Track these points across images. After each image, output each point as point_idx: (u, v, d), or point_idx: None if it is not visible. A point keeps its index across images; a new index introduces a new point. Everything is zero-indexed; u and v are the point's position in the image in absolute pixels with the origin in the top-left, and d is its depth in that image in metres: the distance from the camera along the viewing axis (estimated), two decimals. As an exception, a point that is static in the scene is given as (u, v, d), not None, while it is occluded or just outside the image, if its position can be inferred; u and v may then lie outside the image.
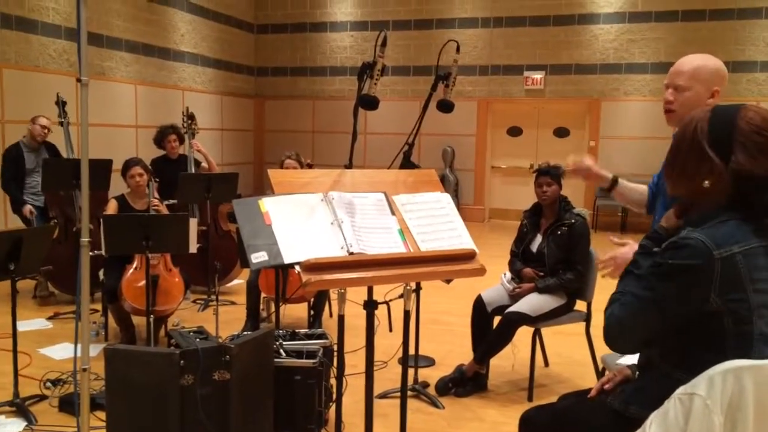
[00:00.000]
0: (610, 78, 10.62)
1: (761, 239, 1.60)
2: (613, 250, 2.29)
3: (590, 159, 2.74)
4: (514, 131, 11.49)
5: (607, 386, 1.98)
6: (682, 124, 1.70)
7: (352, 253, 2.22)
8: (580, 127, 11.06)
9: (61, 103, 5.94)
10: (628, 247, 2.21)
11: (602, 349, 3.93)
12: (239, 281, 6.13)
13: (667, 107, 2.33)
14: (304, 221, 2.28)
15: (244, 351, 2.75)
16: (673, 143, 1.71)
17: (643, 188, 2.72)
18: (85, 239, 2.41)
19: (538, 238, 3.94)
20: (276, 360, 2.97)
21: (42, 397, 3.58)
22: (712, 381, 1.49)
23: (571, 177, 2.70)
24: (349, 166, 2.90)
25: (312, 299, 4.70)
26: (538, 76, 10.91)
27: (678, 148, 1.68)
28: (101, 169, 5.18)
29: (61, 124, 5.90)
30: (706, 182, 1.61)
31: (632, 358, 2.17)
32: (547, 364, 4.26)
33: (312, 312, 4.73)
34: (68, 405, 3.39)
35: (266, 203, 2.30)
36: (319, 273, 2.14)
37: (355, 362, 3.84)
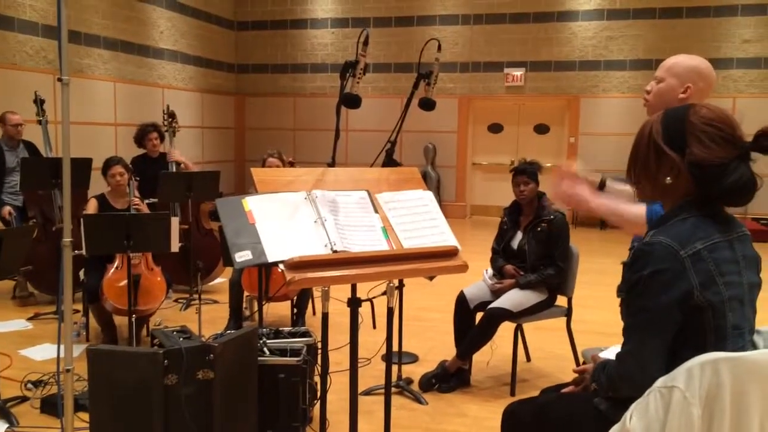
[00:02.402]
0: (589, 75, 10.72)
1: (723, 234, 1.65)
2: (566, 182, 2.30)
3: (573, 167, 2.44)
4: (495, 128, 11.55)
5: (576, 377, 2.00)
6: (639, 130, 1.76)
7: (335, 251, 2.23)
8: (559, 124, 11.16)
9: (39, 102, 5.87)
10: (580, 187, 2.26)
11: (583, 343, 3.99)
12: (222, 280, 6.11)
13: (644, 97, 2.43)
14: (287, 220, 2.29)
15: (228, 350, 2.75)
16: (632, 147, 1.76)
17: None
18: (67, 239, 2.40)
19: (519, 235, 3.98)
20: (260, 358, 2.97)
21: (23, 399, 3.54)
22: (691, 373, 1.52)
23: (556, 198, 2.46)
24: (332, 164, 2.91)
25: (295, 297, 4.70)
26: (518, 73, 10.97)
27: (637, 151, 1.75)
28: (81, 167, 5.12)
29: (40, 122, 5.83)
30: (668, 179, 1.67)
31: (614, 351, 2.21)
32: (528, 359, 4.31)
33: (295, 310, 4.73)
34: (50, 406, 3.37)
35: (250, 202, 2.31)
36: (303, 271, 2.16)
37: (339, 359, 3.86)
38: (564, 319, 3.97)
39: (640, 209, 2.20)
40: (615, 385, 1.71)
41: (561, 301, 3.99)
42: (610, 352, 2.25)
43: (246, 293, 4.81)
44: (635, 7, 10.40)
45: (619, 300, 1.79)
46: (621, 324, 1.73)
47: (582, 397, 1.90)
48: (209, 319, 4.91)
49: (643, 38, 10.39)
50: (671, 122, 1.68)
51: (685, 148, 1.63)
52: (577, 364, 3.87)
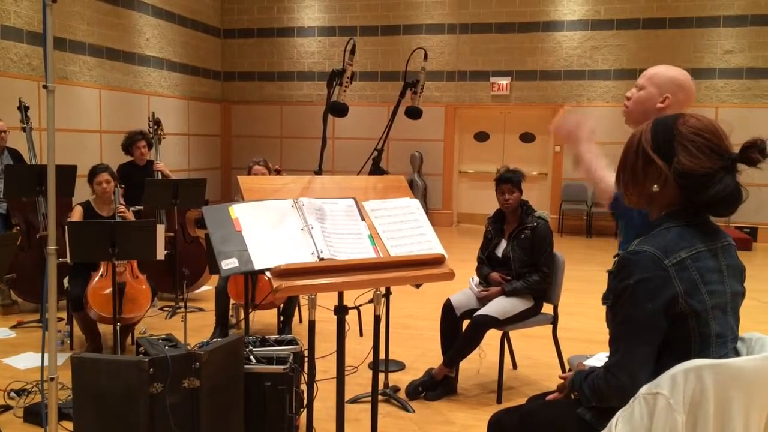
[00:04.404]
0: (573, 84, 10.81)
1: (706, 243, 1.68)
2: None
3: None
4: (481, 136, 11.61)
5: (560, 383, 2.01)
6: (629, 137, 1.78)
7: (322, 259, 2.23)
8: (545, 132, 11.22)
9: (23, 108, 5.83)
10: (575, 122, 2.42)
11: (569, 350, 4.01)
12: (208, 287, 6.08)
13: (624, 103, 2.48)
14: (274, 227, 2.29)
15: (214, 358, 2.73)
16: (622, 154, 1.78)
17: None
18: (52, 247, 2.38)
19: (503, 243, 4.00)
20: (246, 366, 2.96)
21: (6, 408, 3.51)
22: (675, 380, 1.54)
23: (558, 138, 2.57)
24: (319, 172, 2.91)
25: (281, 305, 4.69)
26: (504, 82, 11.05)
27: (626, 158, 1.77)
28: (66, 175, 5.09)
29: (24, 129, 5.79)
30: (655, 186, 1.69)
31: (600, 359, 2.22)
32: (515, 366, 4.32)
33: (282, 318, 4.72)
34: (33, 415, 3.33)
35: (236, 209, 2.31)
36: (289, 279, 2.15)
37: (325, 367, 3.85)
38: (550, 326, 3.99)
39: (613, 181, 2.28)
40: (603, 396, 1.71)
41: (547, 308, 4.01)
42: (596, 360, 2.27)
43: (232, 301, 4.79)
44: (619, 18, 10.52)
45: (604, 308, 1.81)
46: (606, 331, 1.75)
47: (566, 404, 1.92)
48: (195, 327, 4.88)
49: (627, 48, 10.50)
50: (660, 131, 1.70)
51: (672, 156, 1.65)
52: (563, 371, 3.89)
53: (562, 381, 1.95)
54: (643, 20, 10.41)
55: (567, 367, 3.91)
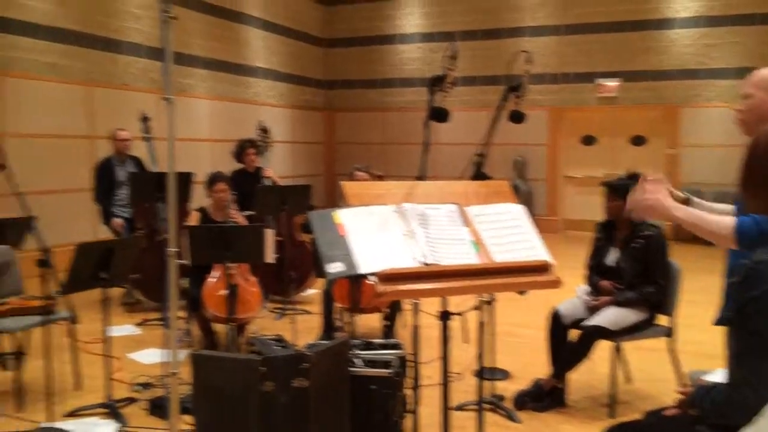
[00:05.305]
0: (688, 84, 10.26)
1: None
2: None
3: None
4: (588, 140, 11.24)
5: (679, 399, 1.90)
6: (753, 140, 1.68)
7: (426, 264, 2.24)
8: (657, 135, 10.72)
9: (144, 119, 6.23)
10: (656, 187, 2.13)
11: (686, 365, 3.80)
12: (314, 291, 6.24)
13: (736, 116, 2.39)
14: (377, 232, 2.32)
15: (322, 359, 2.79)
16: (747, 158, 1.67)
17: (724, 206, 2.42)
18: (172, 249, 2.52)
19: (613, 252, 3.85)
20: (352, 369, 3.01)
21: (132, 400, 3.75)
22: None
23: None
24: (421, 177, 2.93)
25: (387, 310, 4.73)
26: (611, 83, 10.65)
27: (754, 161, 1.66)
28: (183, 181, 5.38)
29: (146, 139, 6.18)
30: None
31: (722, 374, 2.09)
32: (628, 380, 4.14)
33: (386, 322, 4.76)
34: (158, 408, 3.54)
35: (341, 215, 2.35)
36: (393, 283, 2.17)
37: (428, 373, 3.85)
38: (665, 339, 3.80)
39: (726, 219, 2.08)
40: (726, 413, 1.62)
41: (662, 320, 3.82)
42: (716, 376, 2.14)
43: (338, 304, 4.88)
44: (734, 13, 9.89)
45: None
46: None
47: (686, 421, 1.82)
48: (302, 329, 5.01)
49: (744, 45, 9.86)
50: None
51: None
52: (681, 386, 3.68)
53: (682, 396, 1.85)
54: (760, 15, 9.73)
55: (686, 382, 3.71)
